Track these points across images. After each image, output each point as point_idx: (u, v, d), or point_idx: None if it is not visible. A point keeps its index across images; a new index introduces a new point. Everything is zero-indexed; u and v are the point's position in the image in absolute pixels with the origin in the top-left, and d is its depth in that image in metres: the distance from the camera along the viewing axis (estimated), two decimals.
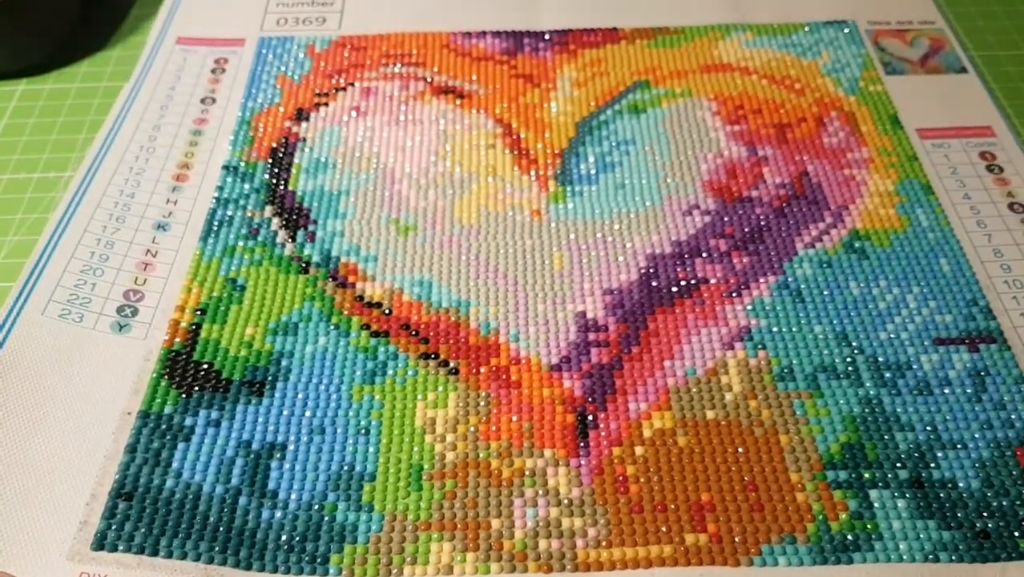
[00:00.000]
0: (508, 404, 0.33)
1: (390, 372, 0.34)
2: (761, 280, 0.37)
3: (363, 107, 0.44)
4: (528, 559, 0.29)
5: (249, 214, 0.39)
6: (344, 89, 0.45)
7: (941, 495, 0.30)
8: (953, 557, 0.29)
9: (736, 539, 0.29)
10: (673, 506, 0.30)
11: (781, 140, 0.42)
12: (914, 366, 0.34)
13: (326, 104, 0.44)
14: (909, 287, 0.36)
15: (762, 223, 0.39)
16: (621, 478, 0.31)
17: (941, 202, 0.40)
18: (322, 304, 0.36)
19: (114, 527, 0.29)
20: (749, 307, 0.36)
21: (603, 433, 0.32)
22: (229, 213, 0.39)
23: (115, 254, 0.37)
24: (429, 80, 0.45)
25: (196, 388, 0.33)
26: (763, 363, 0.34)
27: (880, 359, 0.34)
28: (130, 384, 0.33)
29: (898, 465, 0.31)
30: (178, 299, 0.36)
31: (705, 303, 0.36)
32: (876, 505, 0.30)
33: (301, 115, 0.44)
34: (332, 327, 0.35)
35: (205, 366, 0.34)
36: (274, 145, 0.42)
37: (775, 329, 0.35)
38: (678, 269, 0.37)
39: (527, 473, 0.31)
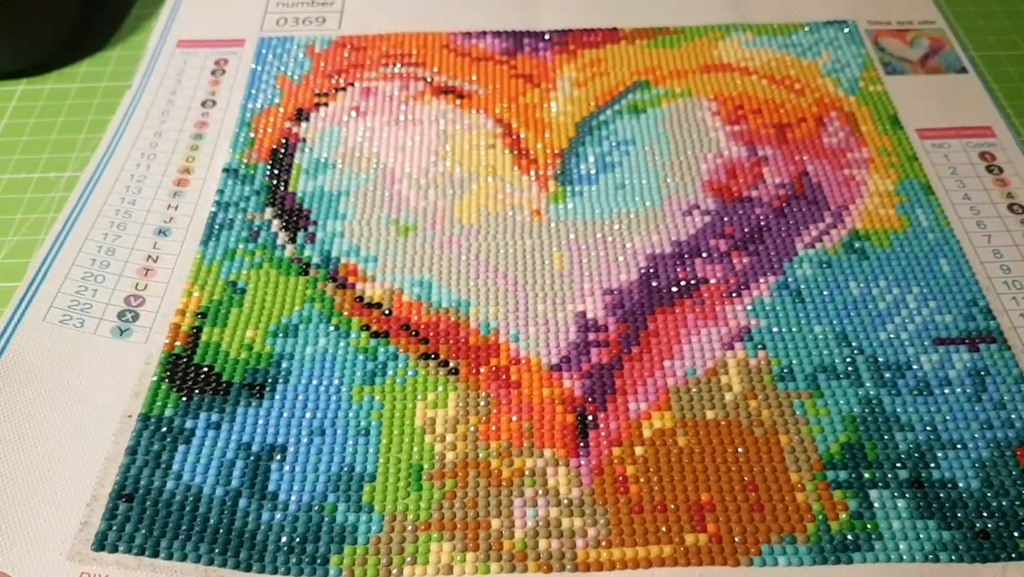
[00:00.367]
0: (508, 404, 0.33)
1: (390, 372, 0.34)
2: (761, 280, 0.37)
3: (363, 107, 0.44)
4: (528, 559, 0.29)
5: (249, 217, 0.39)
6: (344, 89, 0.45)
7: (941, 495, 0.30)
8: (953, 557, 0.29)
9: (736, 539, 0.29)
10: (673, 506, 0.30)
11: (781, 140, 0.42)
12: (914, 366, 0.34)
13: (326, 104, 0.44)
14: (909, 287, 0.36)
15: (762, 223, 0.39)
16: (621, 478, 0.31)
17: (941, 202, 0.40)
18: (322, 305, 0.36)
19: (114, 528, 0.29)
20: (749, 307, 0.36)
21: (603, 433, 0.32)
22: (230, 216, 0.39)
23: (116, 260, 0.37)
24: (429, 80, 0.45)
25: (196, 391, 0.33)
26: (763, 363, 0.34)
27: (880, 359, 0.34)
28: (131, 387, 0.33)
29: (898, 465, 0.31)
30: (179, 303, 0.36)
31: (705, 303, 0.36)
32: (876, 505, 0.30)
33: (301, 115, 0.44)
34: (332, 328, 0.35)
35: (205, 369, 0.34)
36: (274, 146, 0.42)
37: (775, 329, 0.35)
38: (678, 269, 0.37)
39: (527, 473, 0.31)
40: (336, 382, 0.34)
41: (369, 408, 0.33)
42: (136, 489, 0.30)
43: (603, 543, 0.29)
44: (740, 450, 0.32)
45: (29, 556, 0.28)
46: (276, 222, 0.39)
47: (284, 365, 0.34)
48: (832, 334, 0.35)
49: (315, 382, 0.34)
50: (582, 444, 0.32)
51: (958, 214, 0.39)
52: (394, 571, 0.29)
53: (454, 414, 0.33)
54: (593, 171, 0.41)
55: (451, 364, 0.34)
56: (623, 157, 0.42)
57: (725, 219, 0.39)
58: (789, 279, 0.37)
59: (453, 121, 0.44)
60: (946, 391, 0.33)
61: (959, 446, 0.32)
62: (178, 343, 0.34)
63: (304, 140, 0.43)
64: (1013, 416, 0.32)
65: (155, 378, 0.33)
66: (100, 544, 0.29)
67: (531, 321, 0.36)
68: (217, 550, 0.29)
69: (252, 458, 0.31)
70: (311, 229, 0.39)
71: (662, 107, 0.44)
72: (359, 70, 0.46)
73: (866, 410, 0.33)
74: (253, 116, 0.44)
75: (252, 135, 0.43)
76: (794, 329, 0.35)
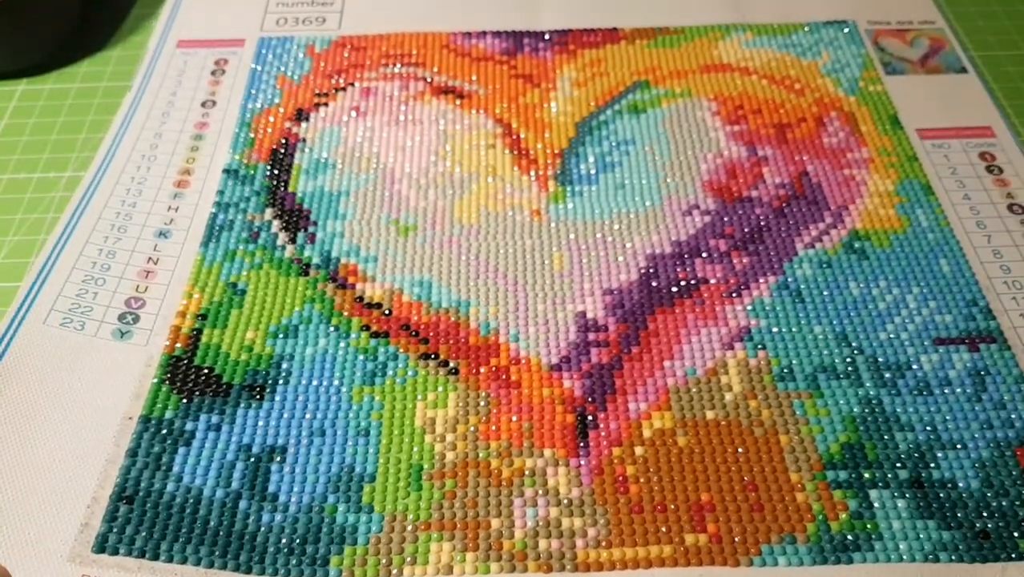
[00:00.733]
0: (508, 404, 0.33)
1: (390, 373, 0.34)
2: (761, 280, 0.37)
3: (363, 107, 0.44)
4: (528, 559, 0.29)
5: (250, 217, 0.39)
6: (344, 89, 0.45)
7: (941, 495, 0.30)
8: (953, 557, 0.29)
9: (736, 539, 0.29)
10: (673, 506, 0.30)
11: (781, 140, 0.42)
12: (914, 366, 0.34)
13: (326, 104, 0.44)
14: (909, 287, 0.36)
15: (762, 223, 0.39)
16: (621, 478, 0.31)
17: (941, 202, 0.40)
18: (322, 306, 0.36)
19: (115, 530, 0.29)
20: (749, 307, 0.36)
21: (603, 433, 0.32)
22: (230, 217, 0.39)
23: (117, 263, 0.37)
24: (429, 80, 0.45)
25: (197, 393, 0.33)
26: (763, 363, 0.34)
27: (880, 359, 0.34)
28: (131, 389, 0.33)
29: (898, 465, 0.31)
30: (179, 305, 0.36)
31: (705, 303, 0.36)
32: (876, 505, 0.30)
33: (301, 115, 0.44)
34: (332, 329, 0.35)
35: (206, 371, 0.34)
36: (274, 146, 0.42)
37: (775, 329, 0.35)
38: (678, 269, 0.37)
39: (527, 473, 0.31)
40: (336, 382, 0.34)
41: (369, 408, 0.33)
42: (136, 491, 0.30)
43: (603, 543, 0.29)
44: (740, 450, 0.32)
45: (30, 558, 0.28)
46: (276, 223, 0.39)
47: (284, 366, 0.34)
48: (832, 334, 0.35)
49: (315, 383, 0.34)
50: (582, 444, 0.32)
51: (958, 214, 0.39)
52: (394, 571, 0.29)
53: (454, 414, 0.33)
54: (593, 171, 0.41)
55: (451, 364, 0.34)
56: (623, 157, 0.42)
57: (725, 219, 0.39)
58: (789, 279, 0.37)
59: (453, 121, 0.44)
60: (946, 391, 0.33)
61: (959, 446, 0.32)
62: (178, 345, 0.34)
63: (304, 140, 0.43)
64: (1013, 416, 0.32)
65: (155, 380, 0.33)
66: (100, 546, 0.29)
67: (531, 321, 0.36)
68: (217, 552, 0.29)
69: (252, 459, 0.31)
70: (311, 229, 0.39)
71: (662, 107, 0.44)
72: (359, 70, 0.46)
73: (866, 410, 0.33)
74: (253, 116, 0.44)
75: (252, 135, 0.43)
76: (794, 329, 0.35)
